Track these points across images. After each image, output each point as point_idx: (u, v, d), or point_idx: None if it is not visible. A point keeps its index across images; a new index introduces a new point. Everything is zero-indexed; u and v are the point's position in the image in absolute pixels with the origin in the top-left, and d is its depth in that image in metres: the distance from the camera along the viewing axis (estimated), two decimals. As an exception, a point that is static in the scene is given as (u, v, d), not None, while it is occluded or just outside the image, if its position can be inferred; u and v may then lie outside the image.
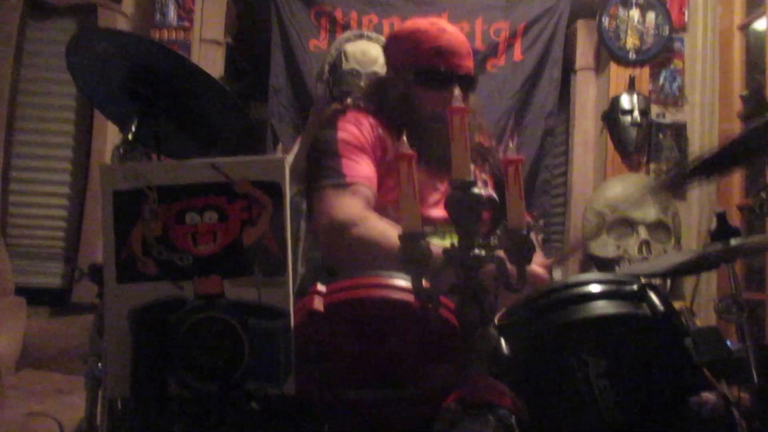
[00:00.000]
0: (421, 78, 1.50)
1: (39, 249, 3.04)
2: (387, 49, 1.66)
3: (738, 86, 3.04)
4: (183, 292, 0.93)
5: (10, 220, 3.01)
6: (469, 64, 1.54)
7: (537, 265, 1.46)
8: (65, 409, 1.96)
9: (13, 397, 2.06)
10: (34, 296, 2.78)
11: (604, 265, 2.85)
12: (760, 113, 2.71)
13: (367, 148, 1.49)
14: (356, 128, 1.51)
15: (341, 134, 1.49)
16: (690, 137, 3.14)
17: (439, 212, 1.42)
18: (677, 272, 1.61)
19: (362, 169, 1.46)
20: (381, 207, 1.45)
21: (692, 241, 3.04)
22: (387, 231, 1.34)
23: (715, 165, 1.35)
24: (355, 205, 1.39)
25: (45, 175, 3.07)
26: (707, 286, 3.01)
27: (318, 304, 0.95)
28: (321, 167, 1.48)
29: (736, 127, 2.98)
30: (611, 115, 3.09)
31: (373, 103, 1.58)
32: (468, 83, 1.54)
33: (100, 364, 1.10)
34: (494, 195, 1.55)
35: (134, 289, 0.94)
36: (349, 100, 2.58)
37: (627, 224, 2.86)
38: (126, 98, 1.24)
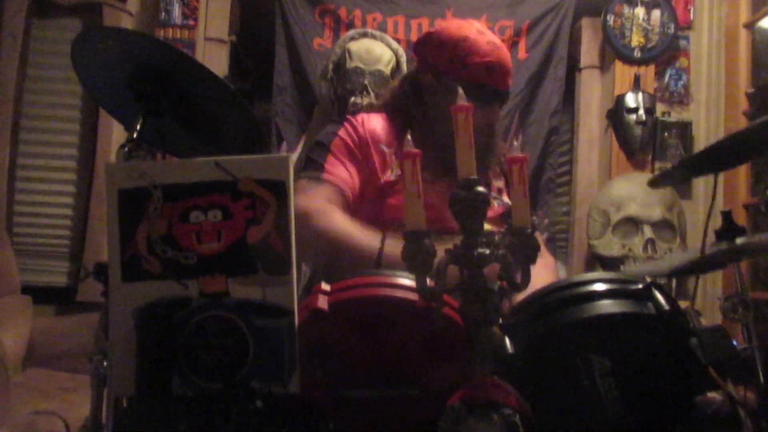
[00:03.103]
0: (467, 91, 1.47)
1: (45, 248, 3.05)
2: (426, 49, 1.56)
3: (744, 84, 3.03)
4: (188, 291, 0.94)
5: (16, 219, 3.03)
6: (510, 81, 1.53)
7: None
8: (71, 407, 1.97)
9: (19, 395, 2.07)
10: (39, 295, 2.79)
11: (609, 264, 2.84)
12: (767, 111, 2.70)
13: (358, 156, 1.48)
14: (358, 132, 1.50)
15: (341, 132, 1.50)
16: (695, 136, 3.13)
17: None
18: (682, 271, 1.60)
19: (343, 171, 1.46)
20: (380, 223, 1.45)
21: (697, 240, 3.03)
22: (348, 229, 1.35)
23: (719, 157, 1.34)
24: (321, 198, 1.40)
25: (50, 173, 3.08)
26: (713, 286, 3.00)
27: (322, 302, 0.95)
28: (308, 158, 1.50)
29: (742, 125, 2.97)
30: (616, 114, 3.08)
31: (405, 103, 1.55)
32: (505, 99, 1.55)
33: (105, 363, 1.10)
34: (508, 203, 1.56)
35: (139, 287, 0.94)
36: (358, 100, 2.59)
37: (632, 223, 2.85)
38: (131, 97, 1.24)
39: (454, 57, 1.48)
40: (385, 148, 1.50)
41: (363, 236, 1.34)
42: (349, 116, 1.55)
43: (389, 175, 1.48)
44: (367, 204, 1.49)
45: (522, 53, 3.13)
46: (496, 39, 1.54)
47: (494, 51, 1.48)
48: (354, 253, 1.31)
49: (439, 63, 1.51)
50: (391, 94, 1.64)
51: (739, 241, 1.34)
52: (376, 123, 1.53)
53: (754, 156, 1.75)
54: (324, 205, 1.39)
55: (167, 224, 0.95)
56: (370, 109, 1.64)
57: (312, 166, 1.47)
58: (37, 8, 3.06)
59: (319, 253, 1.35)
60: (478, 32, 1.52)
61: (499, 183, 1.63)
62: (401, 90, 1.60)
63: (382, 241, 1.27)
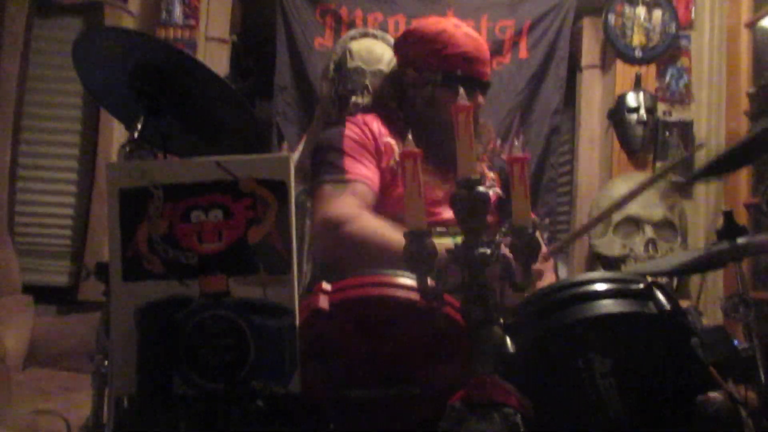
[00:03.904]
0: (447, 81, 1.49)
1: (46, 247, 3.05)
2: (406, 46, 1.61)
3: (745, 84, 3.03)
4: (189, 291, 0.94)
5: (17, 219, 3.03)
6: (489, 71, 1.58)
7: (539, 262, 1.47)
8: (72, 406, 1.97)
9: (20, 394, 2.08)
10: (41, 294, 2.79)
11: (610, 263, 2.84)
12: (768, 111, 2.70)
13: (371, 151, 1.50)
14: (363, 130, 1.51)
15: (348, 132, 1.51)
16: (696, 135, 3.13)
17: (450, 213, 1.42)
18: (683, 271, 1.60)
19: (363, 168, 1.46)
20: (386, 215, 1.46)
21: (699, 240, 3.03)
22: (380, 229, 1.35)
23: (724, 163, 1.35)
24: (350, 203, 1.40)
25: (52, 173, 3.08)
26: (714, 285, 3.00)
27: (323, 302, 0.95)
28: (323, 162, 1.49)
29: (743, 125, 2.97)
30: (617, 113, 3.08)
31: (390, 101, 1.58)
32: (486, 89, 1.58)
33: (106, 362, 1.10)
34: (500, 193, 1.57)
35: (140, 287, 0.94)
36: (359, 100, 2.59)
37: (633, 223, 2.85)
38: (132, 96, 1.24)
39: (432, 49, 1.52)
40: (389, 140, 1.51)
41: (396, 235, 1.34)
42: (348, 117, 1.57)
43: (392, 166, 1.49)
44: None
45: (523, 53, 3.13)
46: (472, 32, 1.59)
47: (471, 42, 1.54)
48: (388, 252, 1.29)
49: (418, 57, 1.55)
50: (377, 94, 1.67)
51: (740, 240, 1.34)
52: (373, 121, 1.55)
53: (755, 160, 1.76)
54: (354, 209, 1.39)
55: (168, 224, 0.95)
56: (364, 110, 1.66)
57: (331, 169, 1.46)
58: (38, 8, 3.06)
59: (353, 257, 1.34)
60: (455, 26, 1.57)
61: (492, 174, 1.64)
62: (385, 89, 1.63)
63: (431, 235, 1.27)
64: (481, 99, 1.54)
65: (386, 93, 1.61)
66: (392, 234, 1.34)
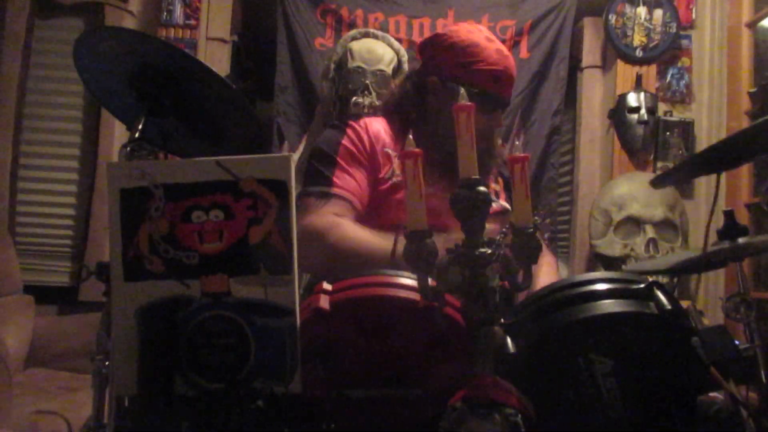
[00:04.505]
0: (471, 97, 1.46)
1: (47, 247, 3.05)
2: (433, 51, 1.55)
3: (746, 83, 3.03)
4: (190, 291, 0.94)
5: (18, 219, 3.03)
6: (512, 90, 1.54)
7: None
8: (73, 407, 1.97)
9: (21, 395, 2.08)
10: (42, 294, 2.80)
11: (611, 264, 2.84)
12: (769, 111, 2.70)
13: (365, 160, 1.47)
14: (362, 138, 1.49)
15: (345, 140, 1.49)
16: (697, 135, 3.13)
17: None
18: (684, 270, 1.60)
19: (352, 181, 1.45)
20: (382, 226, 1.45)
21: (700, 240, 3.02)
22: (362, 237, 1.34)
23: (720, 157, 1.35)
24: (330, 213, 1.39)
25: (53, 173, 3.09)
26: (714, 285, 3.00)
27: (324, 302, 0.95)
28: (315, 170, 1.48)
29: (744, 125, 2.96)
30: (618, 113, 3.08)
31: (407, 104, 1.54)
32: (507, 107, 1.55)
33: (107, 362, 1.10)
34: (506, 205, 1.56)
35: (141, 287, 0.94)
36: (360, 100, 2.59)
37: (634, 223, 2.85)
38: (133, 96, 1.24)
39: (461, 62, 1.47)
40: (389, 151, 1.49)
41: (377, 240, 1.33)
42: (351, 121, 1.54)
43: (392, 178, 1.47)
44: (370, 207, 1.49)
45: (524, 53, 3.13)
46: (503, 47, 1.53)
47: (502, 60, 1.48)
48: (371, 259, 1.30)
49: (445, 66, 1.50)
50: (393, 93, 1.63)
51: (741, 240, 1.34)
52: (378, 126, 1.53)
53: (755, 156, 1.76)
54: (333, 219, 1.38)
55: (169, 224, 0.95)
56: (372, 112, 1.63)
57: (319, 179, 1.45)
58: (39, 8, 3.07)
59: (337, 266, 1.32)
60: (487, 39, 1.51)
61: (496, 186, 1.63)
62: (403, 89, 1.59)
63: (395, 241, 1.26)
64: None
65: (404, 93, 1.57)
66: (375, 239, 1.33)
